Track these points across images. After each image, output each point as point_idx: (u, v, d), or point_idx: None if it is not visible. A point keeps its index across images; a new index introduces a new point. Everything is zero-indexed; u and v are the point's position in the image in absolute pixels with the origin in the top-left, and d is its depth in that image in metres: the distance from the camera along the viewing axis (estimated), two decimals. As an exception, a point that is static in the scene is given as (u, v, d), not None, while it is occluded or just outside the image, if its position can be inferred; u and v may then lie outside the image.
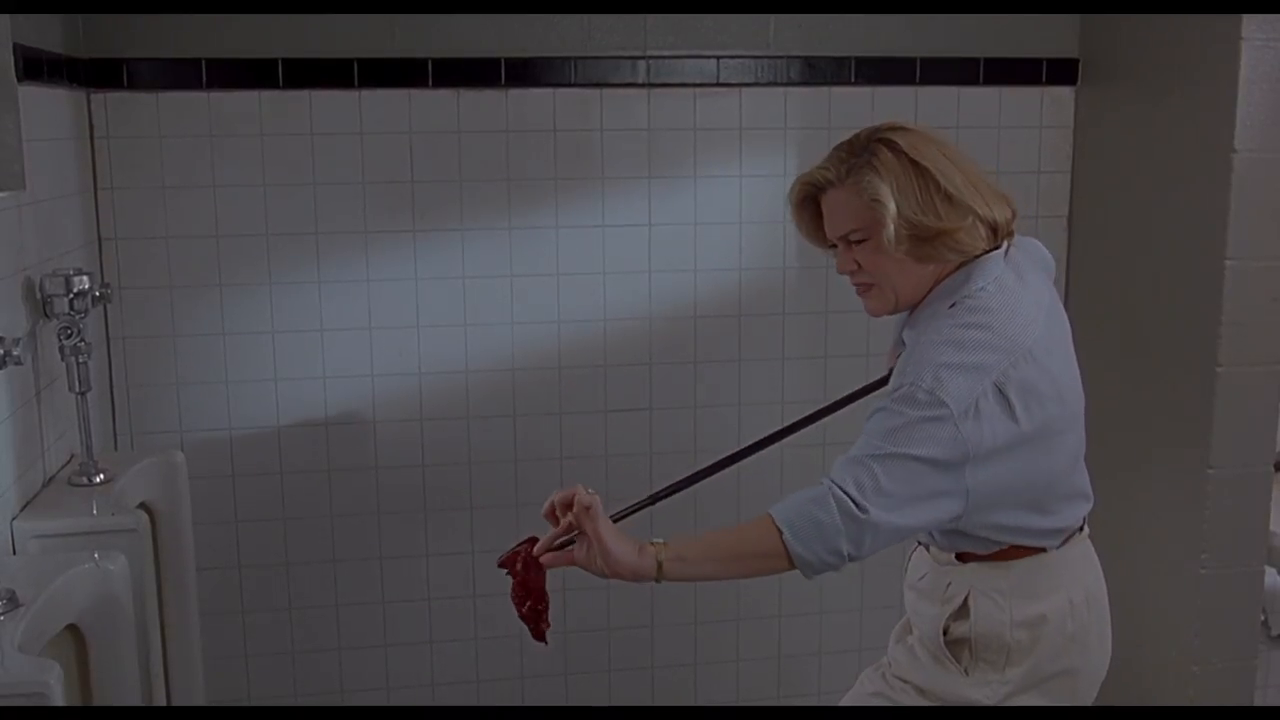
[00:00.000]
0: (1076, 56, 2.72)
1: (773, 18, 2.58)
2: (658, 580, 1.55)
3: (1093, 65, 2.70)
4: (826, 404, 1.86)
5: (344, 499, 2.61)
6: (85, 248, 2.34)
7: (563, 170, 2.57)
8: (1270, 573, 2.50)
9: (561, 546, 1.61)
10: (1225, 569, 2.41)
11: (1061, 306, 1.72)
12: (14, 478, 1.86)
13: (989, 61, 2.68)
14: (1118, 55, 2.62)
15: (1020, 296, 1.61)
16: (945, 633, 1.69)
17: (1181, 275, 2.43)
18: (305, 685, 2.67)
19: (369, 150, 2.49)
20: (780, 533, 1.51)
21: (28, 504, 1.90)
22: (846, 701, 1.85)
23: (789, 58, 2.61)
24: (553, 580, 1.66)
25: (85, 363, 2.01)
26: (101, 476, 2.02)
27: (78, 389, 2.01)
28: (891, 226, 1.56)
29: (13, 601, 1.52)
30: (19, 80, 1.80)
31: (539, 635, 1.63)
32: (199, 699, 2.29)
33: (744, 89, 2.60)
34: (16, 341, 1.73)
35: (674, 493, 1.72)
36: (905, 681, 1.75)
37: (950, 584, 1.69)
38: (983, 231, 1.61)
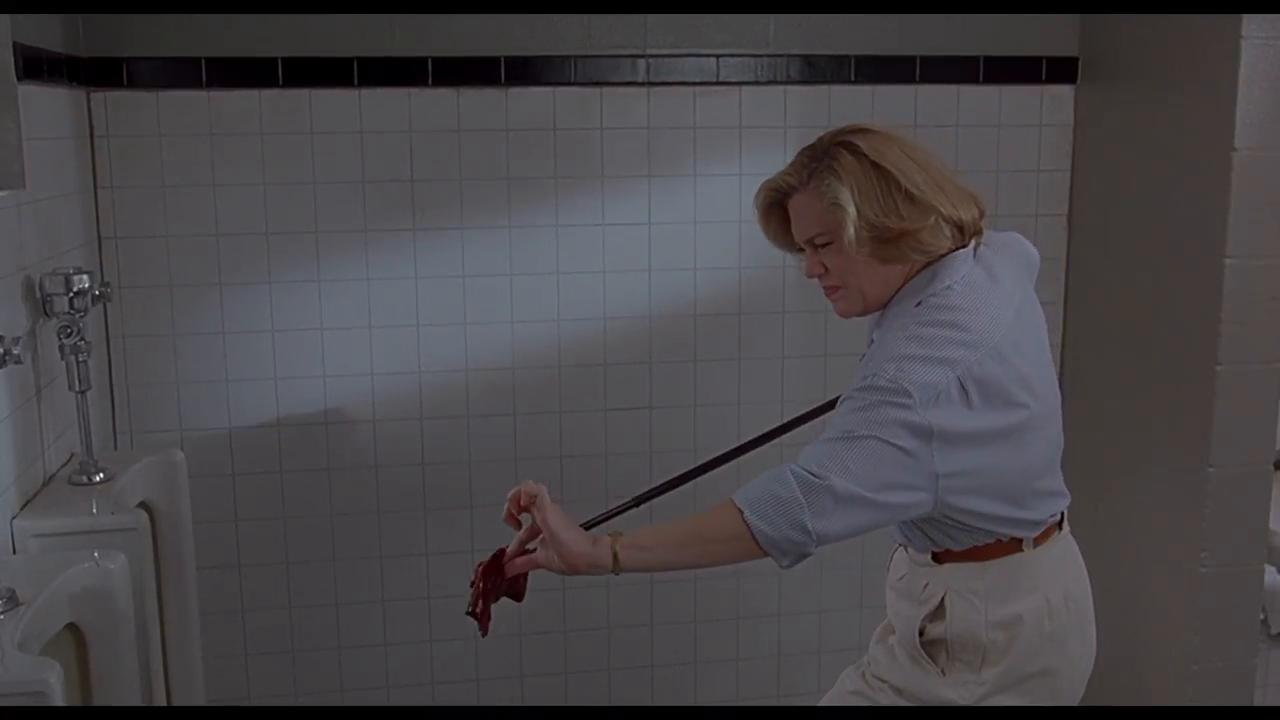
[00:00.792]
0: (1076, 55, 2.72)
1: (772, 16, 2.58)
2: (615, 572, 1.53)
3: (1092, 64, 2.70)
4: (782, 422, 1.91)
5: (344, 498, 2.61)
6: (85, 247, 2.34)
7: (562, 169, 2.57)
8: (1270, 571, 2.50)
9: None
10: (1225, 568, 2.41)
11: (1037, 305, 1.71)
12: (14, 477, 1.86)
13: (989, 60, 2.68)
14: (1118, 54, 2.62)
15: (989, 295, 1.60)
16: (921, 633, 1.69)
17: (1181, 274, 2.42)
18: (305, 684, 2.67)
19: (369, 149, 2.49)
20: (741, 512, 1.50)
21: (28, 503, 1.90)
22: (827, 700, 1.85)
23: (789, 56, 2.61)
24: (552, 580, 1.67)
25: (85, 362, 2.01)
26: (101, 475, 2.03)
27: (77, 388, 2.01)
28: (851, 229, 1.57)
29: (12, 600, 1.53)
30: (19, 79, 1.80)
31: (482, 618, 1.60)
32: (199, 698, 2.29)
33: (744, 88, 2.60)
34: (16, 340, 1.73)
35: (631, 507, 1.74)
36: (883, 681, 1.75)
37: (927, 584, 1.69)
38: (948, 231, 1.61)
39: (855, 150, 1.59)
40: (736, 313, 2.69)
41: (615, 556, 1.53)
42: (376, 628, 2.68)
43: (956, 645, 1.66)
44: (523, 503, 1.59)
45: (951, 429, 1.49)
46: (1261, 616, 2.53)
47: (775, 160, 2.62)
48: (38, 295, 1.98)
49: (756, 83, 2.60)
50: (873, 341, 1.69)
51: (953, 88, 2.68)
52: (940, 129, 2.67)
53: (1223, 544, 2.40)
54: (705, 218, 2.64)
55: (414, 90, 2.49)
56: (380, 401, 2.59)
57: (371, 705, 2.70)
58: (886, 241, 1.58)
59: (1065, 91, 2.74)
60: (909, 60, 2.65)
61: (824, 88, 2.62)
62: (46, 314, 2.00)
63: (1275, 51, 2.24)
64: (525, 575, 1.65)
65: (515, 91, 2.53)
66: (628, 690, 2.82)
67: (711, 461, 1.85)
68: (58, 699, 1.35)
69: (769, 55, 2.60)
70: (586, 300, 2.63)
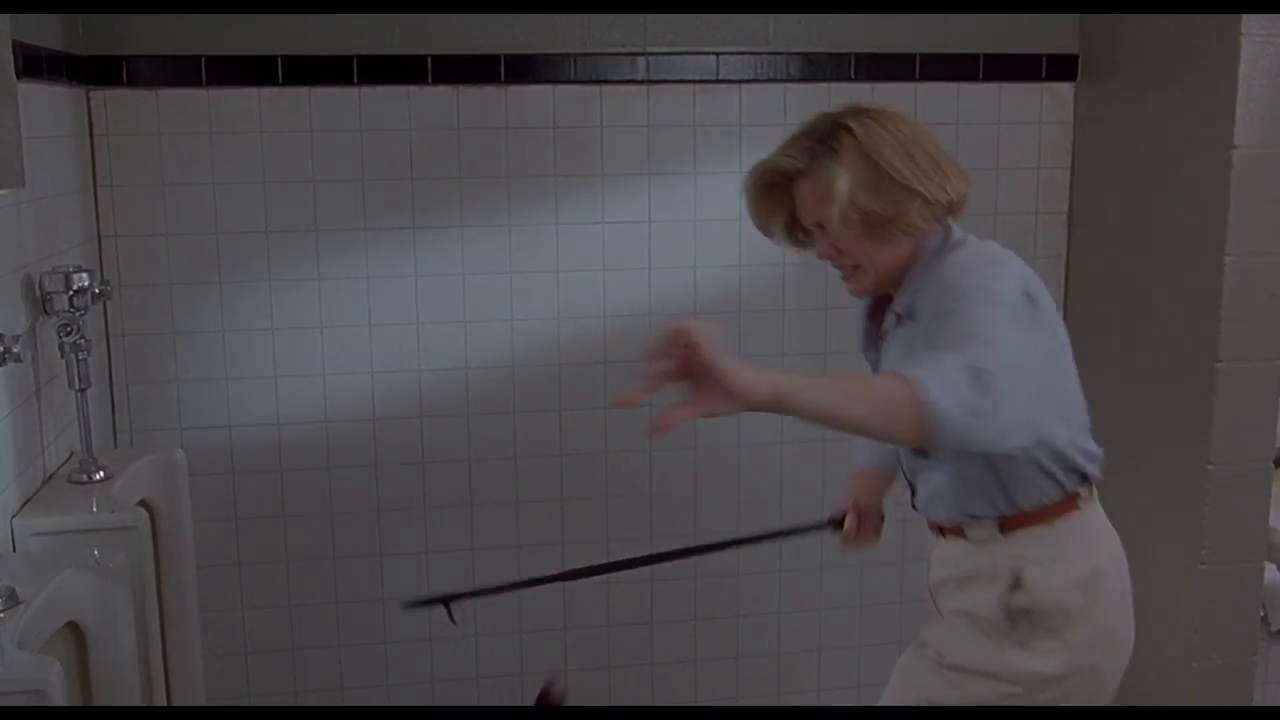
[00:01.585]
0: (1076, 52, 2.72)
1: (772, 14, 2.58)
2: (779, 404, 1.39)
3: (1092, 61, 2.70)
4: (760, 533, 1.99)
5: (344, 496, 2.61)
6: (85, 245, 2.33)
7: (562, 167, 2.57)
8: (1270, 569, 2.50)
9: None
10: (1225, 565, 2.41)
11: None
12: (14, 475, 1.86)
13: (989, 58, 2.68)
14: (1117, 51, 2.62)
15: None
16: (1005, 610, 1.67)
17: (1181, 271, 2.42)
18: (305, 682, 2.67)
19: (369, 147, 2.49)
20: (907, 380, 1.38)
21: (27, 501, 1.90)
22: (894, 700, 1.79)
23: (789, 54, 2.60)
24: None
25: (85, 360, 2.01)
26: (101, 474, 2.03)
27: (77, 386, 2.01)
28: (837, 211, 1.60)
29: (12, 599, 1.52)
30: (19, 77, 1.80)
31: None
32: (199, 696, 2.29)
33: (743, 85, 2.60)
34: (16, 339, 1.73)
35: (626, 567, 1.91)
36: (962, 670, 1.70)
37: (997, 562, 1.68)
38: (938, 211, 1.64)
39: (854, 132, 1.61)
40: (737, 310, 2.69)
41: (779, 391, 1.39)
42: (376, 627, 2.68)
43: (1041, 615, 1.65)
44: (682, 341, 1.44)
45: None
46: (1261, 614, 2.53)
47: (775, 158, 2.63)
48: (38, 293, 1.98)
49: (756, 81, 2.60)
50: (869, 333, 1.75)
51: (953, 85, 2.68)
52: (940, 126, 2.63)
53: (1223, 541, 2.40)
54: (705, 216, 2.64)
55: (414, 88, 2.49)
56: (380, 399, 2.59)
57: (371, 705, 2.70)
58: (875, 224, 1.61)
59: (1065, 89, 2.74)
60: (909, 58, 2.65)
61: (824, 85, 2.62)
62: (46, 312, 2.00)
63: (1275, 49, 2.24)
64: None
65: (515, 89, 2.52)
66: (628, 688, 2.81)
67: (705, 547, 1.99)
68: (57, 698, 1.35)
69: (769, 53, 2.60)
70: (586, 298, 2.63)
